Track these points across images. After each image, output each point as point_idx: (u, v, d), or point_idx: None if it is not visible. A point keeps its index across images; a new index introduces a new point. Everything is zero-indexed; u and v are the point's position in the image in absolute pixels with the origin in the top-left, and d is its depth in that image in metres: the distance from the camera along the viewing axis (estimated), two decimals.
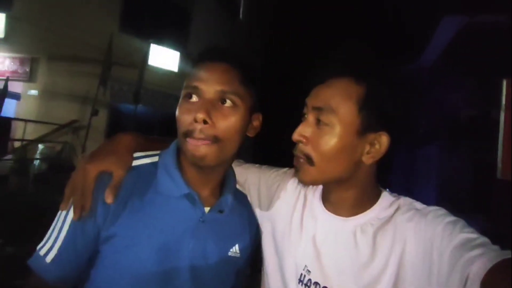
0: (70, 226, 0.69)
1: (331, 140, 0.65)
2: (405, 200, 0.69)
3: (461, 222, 0.59)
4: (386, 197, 0.71)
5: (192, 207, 0.74)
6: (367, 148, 0.66)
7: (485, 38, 4.19)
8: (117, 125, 6.67)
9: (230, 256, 0.78)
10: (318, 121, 0.67)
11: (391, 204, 0.69)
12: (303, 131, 0.68)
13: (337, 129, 0.64)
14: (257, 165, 0.92)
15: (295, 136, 0.69)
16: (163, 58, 7.49)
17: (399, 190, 0.76)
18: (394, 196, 0.71)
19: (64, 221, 0.70)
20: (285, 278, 0.74)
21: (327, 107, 0.65)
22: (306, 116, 0.70)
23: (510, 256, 0.49)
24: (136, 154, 0.77)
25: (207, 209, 0.76)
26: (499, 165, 2.31)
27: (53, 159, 6.07)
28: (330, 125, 0.65)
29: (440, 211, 0.63)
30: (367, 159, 0.66)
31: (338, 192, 0.71)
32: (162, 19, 7.45)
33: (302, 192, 0.80)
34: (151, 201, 0.72)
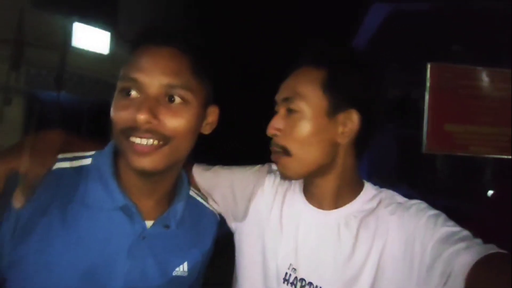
0: None
1: (304, 126, 0.66)
2: (387, 193, 0.70)
3: (443, 216, 0.61)
4: (368, 190, 0.71)
5: (129, 222, 0.63)
6: (341, 128, 0.67)
7: (409, 25, 4.58)
8: (36, 115, 5.89)
9: (176, 275, 0.67)
10: (289, 111, 0.69)
11: (374, 197, 0.69)
12: (275, 124, 0.70)
13: (307, 113, 0.67)
14: (226, 167, 0.85)
15: (270, 131, 0.70)
16: (90, 38, 6.72)
17: None
18: (377, 189, 0.72)
19: None
20: (266, 280, 0.71)
21: (294, 95, 0.68)
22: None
23: (494, 251, 0.51)
24: (62, 155, 0.64)
25: (149, 222, 0.65)
26: (424, 141, 2.57)
27: None
28: (300, 110, 0.67)
29: (422, 204, 0.65)
30: (342, 139, 0.67)
31: (320, 183, 0.70)
32: None
33: (281, 188, 0.77)
34: (75, 215, 0.60)
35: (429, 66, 2.47)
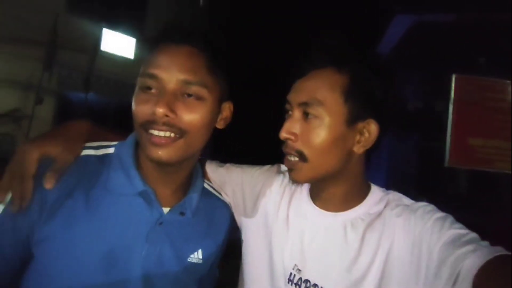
0: None
1: (322, 132, 0.64)
2: (394, 196, 0.70)
3: (450, 218, 0.60)
4: (376, 192, 0.71)
5: (148, 208, 0.66)
6: (357, 137, 0.66)
7: (432, 36, 4.53)
8: (65, 114, 6.15)
9: (191, 262, 0.70)
10: (306, 115, 0.65)
11: (381, 199, 0.69)
12: (290, 127, 0.66)
13: (326, 120, 0.64)
14: (237, 165, 0.88)
15: (283, 134, 0.66)
16: (117, 43, 7.00)
17: None
18: (383, 191, 0.71)
19: None
20: (273, 280, 0.71)
21: (313, 101, 0.64)
22: (290, 112, 0.69)
23: (502, 253, 0.51)
24: (87, 144, 0.69)
25: (166, 209, 0.68)
26: (447, 154, 2.52)
27: None
28: (320, 117, 0.64)
29: (429, 207, 0.64)
30: (358, 149, 0.66)
31: (329, 187, 0.70)
32: (115, 1, 6.92)
33: (288, 189, 0.78)
34: (97, 199, 0.63)
35: (454, 78, 2.42)
